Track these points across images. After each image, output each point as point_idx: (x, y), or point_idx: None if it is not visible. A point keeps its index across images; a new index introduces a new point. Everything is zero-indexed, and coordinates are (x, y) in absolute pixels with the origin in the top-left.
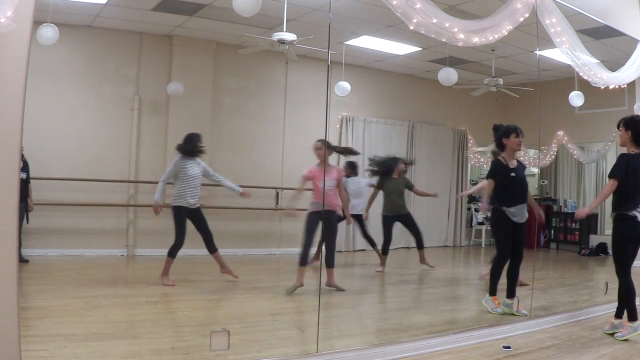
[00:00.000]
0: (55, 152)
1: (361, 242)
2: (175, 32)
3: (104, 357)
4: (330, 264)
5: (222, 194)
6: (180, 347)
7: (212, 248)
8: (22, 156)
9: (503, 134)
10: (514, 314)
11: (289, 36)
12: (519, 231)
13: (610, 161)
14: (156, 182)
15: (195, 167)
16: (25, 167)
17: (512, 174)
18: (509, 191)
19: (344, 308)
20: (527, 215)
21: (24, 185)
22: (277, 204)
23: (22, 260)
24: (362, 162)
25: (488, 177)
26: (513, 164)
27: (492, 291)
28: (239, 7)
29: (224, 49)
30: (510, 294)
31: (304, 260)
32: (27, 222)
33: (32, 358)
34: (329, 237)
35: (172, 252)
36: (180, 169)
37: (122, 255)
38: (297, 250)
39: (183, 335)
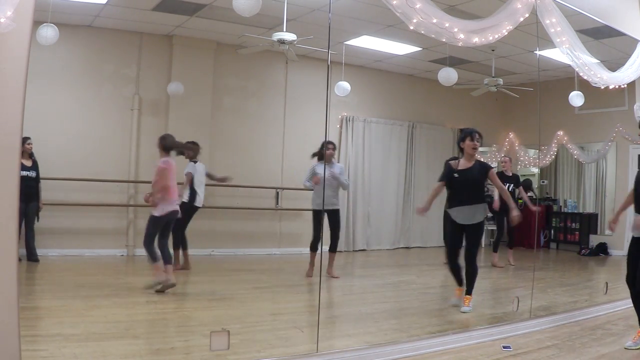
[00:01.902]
0: (55, 152)
1: (361, 242)
2: (175, 32)
3: (104, 357)
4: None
5: (222, 194)
6: (180, 347)
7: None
8: (32, 155)
9: (460, 139)
10: (514, 314)
11: (289, 36)
12: (468, 232)
13: (610, 161)
14: None
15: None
16: (34, 166)
17: (455, 175)
18: (452, 193)
19: (344, 308)
20: (479, 218)
21: (34, 184)
22: (277, 204)
23: (35, 259)
24: (363, 162)
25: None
26: (466, 165)
27: (458, 283)
28: (239, 7)
29: (224, 49)
30: (467, 291)
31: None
32: (38, 220)
33: (32, 358)
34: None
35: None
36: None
37: (122, 255)
38: (296, 250)
39: (183, 335)
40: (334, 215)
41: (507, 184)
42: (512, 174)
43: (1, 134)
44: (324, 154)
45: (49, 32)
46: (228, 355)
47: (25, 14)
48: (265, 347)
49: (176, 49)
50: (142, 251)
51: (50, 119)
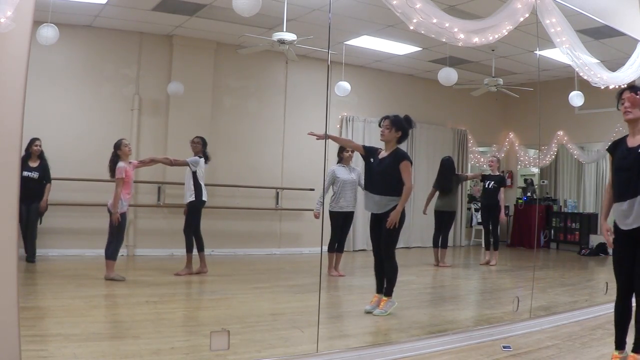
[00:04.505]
0: (55, 152)
1: (361, 242)
2: (175, 32)
3: (104, 357)
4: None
5: (222, 194)
6: (180, 347)
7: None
8: (41, 156)
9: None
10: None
11: (289, 36)
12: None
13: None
14: (155, 182)
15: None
16: (39, 168)
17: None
18: None
19: (344, 308)
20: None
21: (36, 185)
22: (277, 204)
23: (31, 260)
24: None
25: None
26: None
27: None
28: (239, 7)
29: (224, 49)
30: (382, 291)
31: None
32: (41, 222)
33: (32, 358)
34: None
35: (330, 247)
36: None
37: (122, 255)
38: (296, 250)
39: (183, 335)
40: (350, 218)
41: (489, 182)
42: (498, 173)
43: (1, 134)
44: (342, 157)
45: (49, 32)
46: (228, 355)
47: (25, 14)
48: (265, 347)
49: (176, 49)
50: (142, 251)
51: (50, 119)
